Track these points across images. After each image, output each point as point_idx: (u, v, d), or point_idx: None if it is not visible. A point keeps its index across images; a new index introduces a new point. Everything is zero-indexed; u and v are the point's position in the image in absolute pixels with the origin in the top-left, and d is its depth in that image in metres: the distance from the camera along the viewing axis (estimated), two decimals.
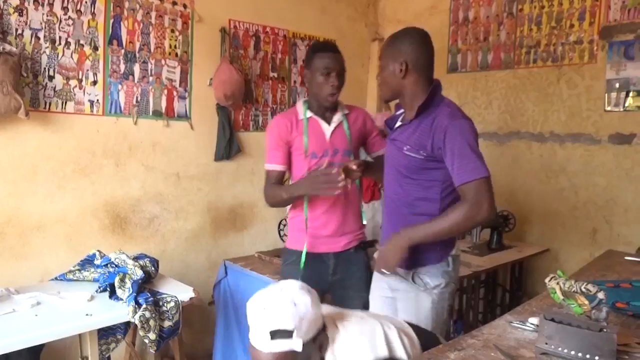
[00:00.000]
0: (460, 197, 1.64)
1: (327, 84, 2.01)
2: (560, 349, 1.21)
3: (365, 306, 2.14)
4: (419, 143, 1.70)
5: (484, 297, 3.36)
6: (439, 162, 1.67)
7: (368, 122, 2.23)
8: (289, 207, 2.19)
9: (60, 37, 2.48)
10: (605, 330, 1.18)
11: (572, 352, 1.19)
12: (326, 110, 2.11)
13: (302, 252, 2.08)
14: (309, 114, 2.09)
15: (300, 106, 2.13)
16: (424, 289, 1.77)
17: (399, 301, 1.85)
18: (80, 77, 2.56)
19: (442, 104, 1.73)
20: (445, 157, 1.64)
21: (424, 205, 1.74)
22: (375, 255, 1.82)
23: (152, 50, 2.81)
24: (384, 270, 1.74)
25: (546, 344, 1.23)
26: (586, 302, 1.39)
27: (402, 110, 1.88)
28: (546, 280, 1.52)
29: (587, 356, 1.17)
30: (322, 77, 2.02)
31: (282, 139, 2.06)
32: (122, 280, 2.05)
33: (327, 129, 2.09)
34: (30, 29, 2.39)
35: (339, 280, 2.14)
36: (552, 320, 1.23)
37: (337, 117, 2.11)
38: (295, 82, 3.55)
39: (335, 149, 2.09)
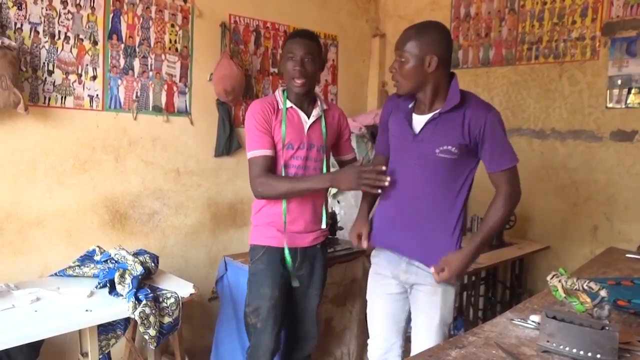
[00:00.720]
0: (496, 181, 1.76)
1: (292, 69, 1.99)
2: (561, 347, 1.20)
3: (318, 302, 2.20)
4: (452, 138, 1.72)
5: (484, 294, 3.36)
6: (469, 156, 1.76)
7: (343, 123, 2.22)
8: (255, 202, 2.13)
9: (59, 32, 2.47)
10: (607, 328, 1.17)
11: (574, 350, 1.18)
12: (304, 102, 2.08)
13: (270, 247, 2.06)
14: (289, 104, 2.05)
15: (279, 95, 2.08)
16: (451, 284, 1.83)
17: (422, 295, 1.85)
18: (79, 71, 2.55)
19: (465, 94, 1.77)
20: (483, 145, 1.73)
21: (452, 197, 1.79)
22: (440, 265, 1.78)
23: (152, 45, 2.80)
24: (448, 280, 1.78)
25: (548, 341, 1.22)
26: (588, 299, 1.39)
27: (412, 104, 1.84)
28: (548, 278, 1.52)
29: (589, 354, 1.17)
30: (287, 62, 2.00)
31: (267, 123, 1.99)
32: (122, 276, 2.05)
33: (306, 122, 2.06)
34: (30, 23, 2.38)
35: (302, 276, 2.14)
36: (554, 318, 1.22)
37: (316, 112, 2.08)
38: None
39: (311, 143, 2.06)
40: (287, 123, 2.01)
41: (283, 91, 2.09)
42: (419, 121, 1.80)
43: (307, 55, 2.00)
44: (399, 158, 1.86)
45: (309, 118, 2.06)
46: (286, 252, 2.07)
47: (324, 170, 2.12)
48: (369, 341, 2.03)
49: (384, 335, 1.97)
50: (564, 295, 1.46)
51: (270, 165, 1.98)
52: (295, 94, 2.05)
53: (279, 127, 2.00)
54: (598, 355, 1.16)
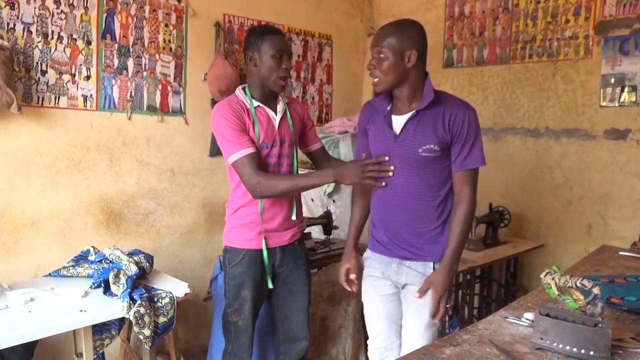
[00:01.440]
0: (459, 181, 1.79)
1: (280, 68, 1.95)
2: (555, 344, 1.21)
3: (306, 301, 2.18)
4: (433, 137, 1.74)
5: (479, 293, 3.37)
6: (448, 150, 1.78)
7: (305, 113, 2.21)
8: (230, 202, 2.10)
9: (52, 31, 2.46)
10: (600, 325, 1.18)
11: (567, 347, 1.19)
12: (270, 99, 2.04)
13: (250, 250, 2.03)
14: (255, 102, 2.00)
15: (242, 94, 2.01)
16: None
17: (412, 294, 1.85)
18: (73, 71, 2.54)
19: (441, 92, 1.79)
20: (458, 142, 1.75)
21: (438, 191, 1.82)
22: (426, 286, 1.80)
23: (146, 44, 2.79)
24: (439, 301, 1.78)
25: (541, 339, 1.23)
26: (581, 297, 1.39)
27: (390, 106, 1.85)
28: (541, 276, 1.52)
29: (582, 351, 1.17)
30: (273, 59, 1.94)
31: (241, 121, 1.93)
32: (116, 276, 2.04)
33: (275, 118, 2.02)
34: (22, 22, 2.37)
35: (283, 274, 2.11)
36: (547, 315, 1.23)
37: (280, 107, 2.05)
38: (290, 77, 3.54)
39: (283, 139, 2.03)
40: (259, 123, 1.98)
41: (244, 89, 2.04)
42: (398, 122, 1.81)
43: (291, 54, 2.02)
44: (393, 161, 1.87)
45: (275, 114, 2.03)
46: (264, 253, 2.04)
47: (295, 164, 2.10)
48: (368, 342, 2.04)
49: (382, 336, 1.97)
50: (557, 292, 1.46)
51: (259, 162, 1.93)
52: (269, 93, 2.02)
53: (252, 128, 1.96)
54: (591, 352, 1.16)
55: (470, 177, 1.78)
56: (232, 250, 2.06)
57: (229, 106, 1.95)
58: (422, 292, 1.78)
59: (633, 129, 2.92)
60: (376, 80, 1.77)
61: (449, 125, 1.73)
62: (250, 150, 1.90)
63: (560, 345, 1.20)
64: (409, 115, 1.77)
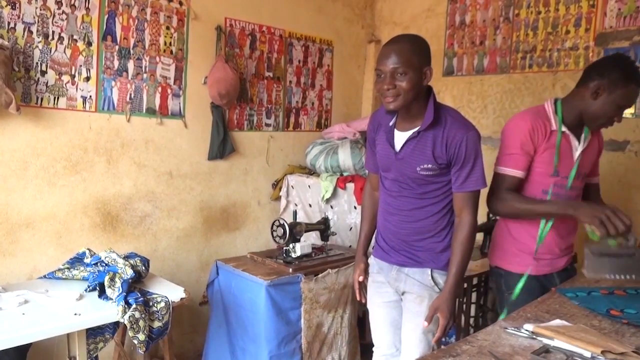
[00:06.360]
0: (459, 202, 1.77)
1: (613, 118, 1.85)
2: (602, 274, 1.76)
3: None
4: (431, 157, 1.73)
5: (476, 301, 3.36)
6: (449, 168, 1.77)
7: (602, 146, 2.08)
8: (504, 220, 2.01)
9: (53, 32, 2.45)
10: (636, 254, 1.66)
11: (615, 276, 1.74)
12: (578, 127, 1.90)
13: (527, 275, 1.93)
14: (564, 127, 1.87)
15: (551, 112, 1.88)
16: (438, 291, 1.84)
17: (409, 303, 1.87)
18: (73, 72, 2.53)
19: (445, 111, 1.76)
20: (457, 164, 1.73)
21: (437, 203, 1.82)
22: (432, 310, 1.77)
23: (146, 47, 2.78)
24: (446, 326, 1.76)
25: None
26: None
27: (393, 121, 1.83)
28: (586, 226, 1.79)
29: (627, 277, 1.73)
30: (616, 108, 1.82)
31: (532, 142, 1.84)
32: (111, 279, 2.02)
33: (577, 149, 1.89)
34: (23, 22, 2.36)
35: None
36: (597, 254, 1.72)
37: (584, 135, 1.91)
38: (290, 82, 3.54)
39: (580, 172, 1.92)
40: (561, 150, 1.86)
41: (555, 104, 1.90)
42: (399, 138, 1.80)
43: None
44: (385, 173, 1.89)
45: (579, 143, 1.90)
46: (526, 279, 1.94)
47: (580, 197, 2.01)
48: (374, 349, 2.06)
49: (387, 342, 1.99)
50: (599, 234, 1.72)
51: (517, 187, 1.88)
52: (577, 122, 1.88)
53: (549, 152, 1.86)
54: (633, 276, 1.74)
55: (470, 199, 1.76)
56: (510, 274, 1.99)
57: (532, 124, 1.84)
58: (430, 320, 1.75)
59: (632, 140, 2.93)
60: (393, 98, 1.68)
61: (446, 147, 1.71)
62: (517, 173, 1.86)
63: (607, 276, 1.75)
64: (409, 133, 1.77)
